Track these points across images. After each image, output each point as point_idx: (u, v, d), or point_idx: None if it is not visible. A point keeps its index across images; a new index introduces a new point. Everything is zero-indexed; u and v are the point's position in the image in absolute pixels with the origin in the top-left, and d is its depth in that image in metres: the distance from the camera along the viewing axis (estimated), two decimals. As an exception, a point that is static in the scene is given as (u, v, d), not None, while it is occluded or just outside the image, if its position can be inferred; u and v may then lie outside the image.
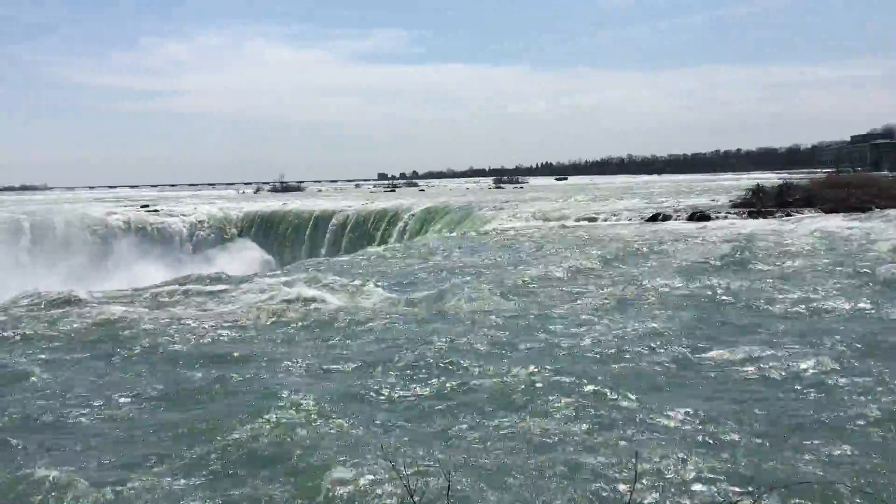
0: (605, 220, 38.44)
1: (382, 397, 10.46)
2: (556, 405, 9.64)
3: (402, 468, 6.59)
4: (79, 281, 34.25)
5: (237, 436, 8.81)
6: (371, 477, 7.40)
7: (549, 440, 8.56)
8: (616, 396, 9.91)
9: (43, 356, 13.42)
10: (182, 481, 7.75)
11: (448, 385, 10.78)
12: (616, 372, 11.23)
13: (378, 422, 9.34)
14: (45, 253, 44.95)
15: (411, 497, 4.61)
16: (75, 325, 15.83)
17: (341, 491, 7.20)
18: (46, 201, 73.89)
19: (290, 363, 12.42)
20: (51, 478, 7.70)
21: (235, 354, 13.02)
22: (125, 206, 58.78)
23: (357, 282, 20.02)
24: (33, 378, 11.84)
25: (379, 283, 20.16)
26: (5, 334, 15.16)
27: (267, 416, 9.33)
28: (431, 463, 7.67)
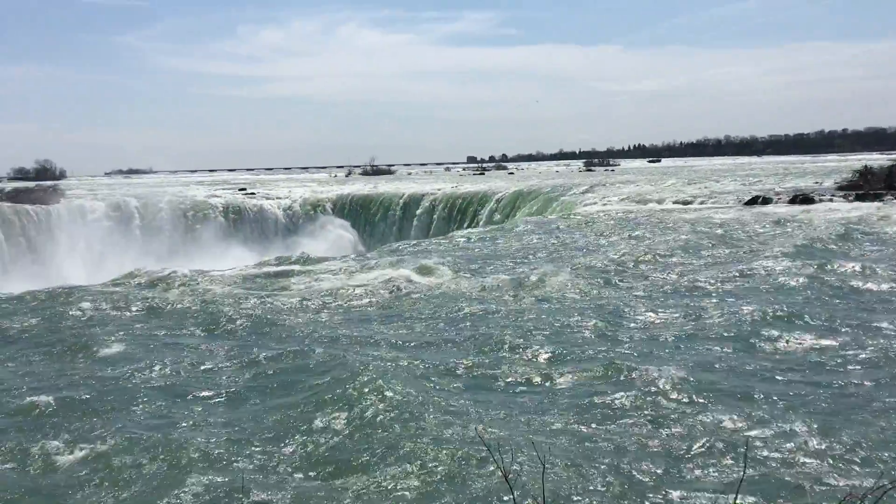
0: (702, 203, 37.20)
1: (473, 377, 10.45)
2: (656, 390, 9.40)
3: (497, 448, 6.54)
4: (181, 260, 35.75)
5: (329, 413, 8.98)
6: (465, 455, 7.39)
7: (653, 429, 8.35)
8: (725, 384, 9.58)
9: (148, 328, 14.05)
10: (288, 449, 7.95)
11: (542, 368, 10.68)
12: (730, 356, 10.86)
13: (470, 401, 9.33)
14: (152, 233, 47.13)
15: (506, 479, 4.54)
16: (176, 301, 16.52)
17: (437, 469, 7.23)
18: (151, 184, 77.35)
19: (380, 342, 12.57)
20: (170, 439, 8.05)
21: (326, 333, 13.27)
22: (224, 189, 60.88)
23: (446, 264, 20.07)
24: (140, 348, 12.41)
25: (467, 266, 20.17)
26: (116, 308, 15.99)
27: (357, 395, 9.45)
28: (525, 445, 7.59)
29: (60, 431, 8.77)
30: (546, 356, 11.30)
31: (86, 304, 16.21)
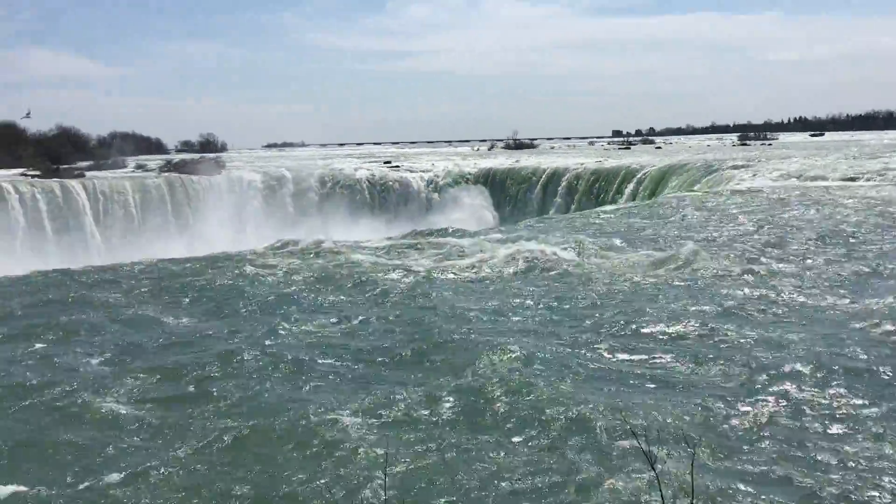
0: (869, 180, 34.31)
1: (615, 359, 10.17)
2: (818, 381, 8.79)
3: (643, 435, 6.32)
4: (329, 230, 37.19)
5: (469, 382, 9.02)
6: (608, 442, 7.21)
7: (819, 424, 7.82)
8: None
9: (293, 292, 14.71)
10: (432, 418, 8.08)
11: (689, 352, 10.24)
12: None
13: (612, 384, 9.08)
14: (304, 204, 49.42)
15: (652, 467, 4.35)
16: (323, 268, 17.21)
17: (580, 455, 7.10)
18: (303, 157, 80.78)
19: (517, 318, 12.50)
20: (312, 402, 8.40)
21: (465, 306, 13.34)
22: (370, 162, 62.64)
23: (588, 240, 19.66)
24: (284, 311, 13.02)
25: (611, 242, 19.67)
26: (272, 273, 16.89)
27: (493, 369, 9.43)
28: (672, 432, 7.30)
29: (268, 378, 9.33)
30: (693, 340, 10.82)
31: (248, 269, 17.25)
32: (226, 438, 7.87)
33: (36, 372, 10.16)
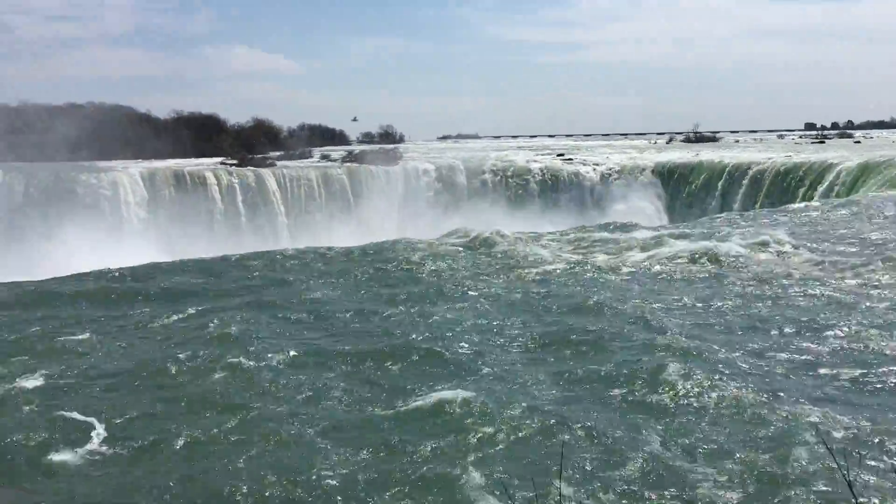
0: None
1: (806, 367, 9.44)
2: None
3: (841, 453, 5.82)
4: (500, 220, 37.45)
5: (617, 387, 8.73)
6: (802, 458, 6.71)
7: None
8: None
9: (464, 280, 14.93)
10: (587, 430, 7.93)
11: (890, 365, 9.33)
12: None
13: (803, 395, 8.44)
14: (476, 195, 50.12)
15: (850, 489, 3.96)
16: (493, 258, 17.35)
17: (768, 470, 6.68)
18: (477, 149, 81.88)
19: (692, 318, 11.93)
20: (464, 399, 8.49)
21: (636, 304, 12.92)
22: (543, 154, 62.36)
23: (775, 239, 18.42)
24: (454, 297, 13.23)
25: (802, 243, 18.31)
26: (446, 261, 17.27)
27: (666, 369, 9.06)
28: (874, 452, 6.67)
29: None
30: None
31: (421, 257, 17.74)
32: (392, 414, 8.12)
33: (240, 341, 11.01)
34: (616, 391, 8.72)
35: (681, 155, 57.76)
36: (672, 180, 50.77)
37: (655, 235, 20.38)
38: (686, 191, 49.73)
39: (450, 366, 9.89)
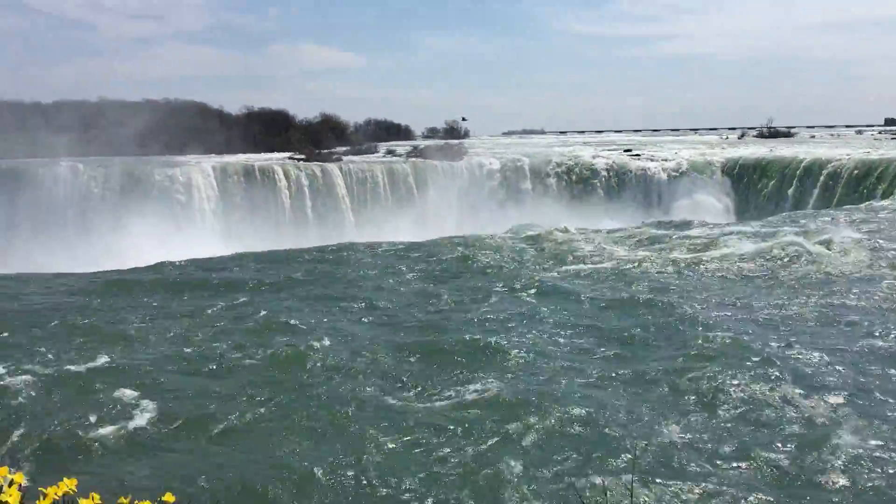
0: None
1: (881, 374, 9.12)
2: None
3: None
4: (564, 217, 37.18)
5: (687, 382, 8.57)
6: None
7: None
8: None
9: (532, 274, 14.90)
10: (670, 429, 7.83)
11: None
12: None
13: (876, 406, 8.17)
14: (540, 191, 49.79)
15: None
16: (558, 253, 17.24)
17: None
18: (542, 144, 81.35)
19: (762, 315, 11.64)
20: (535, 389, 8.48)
21: (703, 300, 12.67)
22: (609, 151, 61.51)
23: (852, 238, 17.79)
24: (521, 290, 13.22)
25: (875, 244, 17.63)
26: (510, 256, 17.25)
27: (736, 367, 8.87)
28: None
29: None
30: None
31: (479, 251, 17.78)
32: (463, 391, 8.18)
33: (312, 327, 11.27)
34: (665, 388, 8.60)
35: (753, 151, 56.17)
36: (743, 177, 49.41)
37: (721, 233, 19.93)
38: (757, 188, 48.32)
39: (504, 359, 9.90)
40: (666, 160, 53.20)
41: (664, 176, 50.79)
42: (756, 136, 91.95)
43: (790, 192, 46.38)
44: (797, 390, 8.32)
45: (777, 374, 8.83)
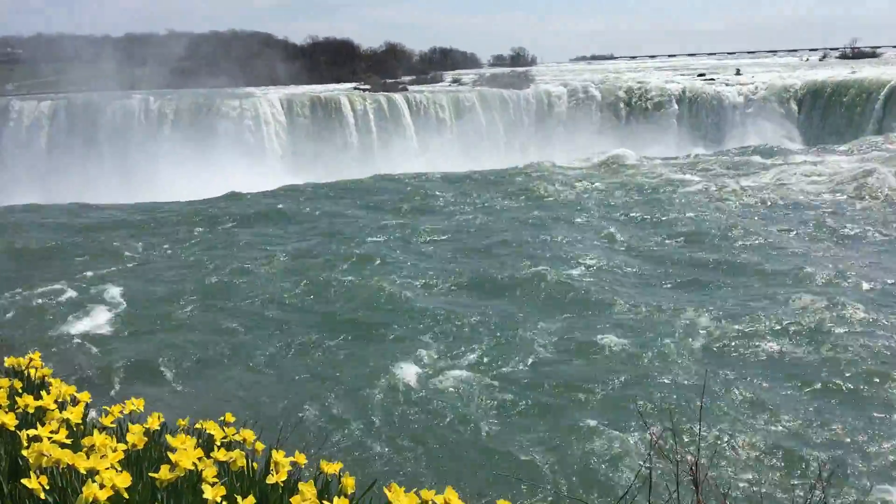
0: None
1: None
2: None
3: None
4: (634, 144, 36.28)
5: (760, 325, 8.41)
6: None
7: None
8: None
9: (598, 204, 14.72)
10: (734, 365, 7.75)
11: None
12: None
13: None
14: (609, 117, 48.47)
15: None
16: (626, 183, 16.95)
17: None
18: (611, 70, 78.96)
19: (847, 254, 11.27)
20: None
21: (780, 232, 12.33)
22: (682, 75, 59.28)
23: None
24: (584, 220, 13.09)
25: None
26: (572, 185, 17.07)
27: (781, 300, 8.66)
28: None
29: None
30: None
31: (547, 179, 17.62)
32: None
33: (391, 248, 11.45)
34: (752, 325, 8.47)
35: (836, 73, 53.33)
36: (824, 100, 47.08)
37: (798, 160, 19.19)
38: (839, 111, 46.04)
39: (574, 291, 9.90)
40: (742, 84, 50.95)
41: (741, 100, 48.76)
42: (838, 58, 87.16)
43: (873, 115, 44.07)
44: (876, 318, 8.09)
45: (851, 303, 8.58)
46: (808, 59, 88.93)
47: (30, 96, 49.02)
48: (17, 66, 65.63)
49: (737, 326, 8.31)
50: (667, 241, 12.05)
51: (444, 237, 13.00)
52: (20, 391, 3.79)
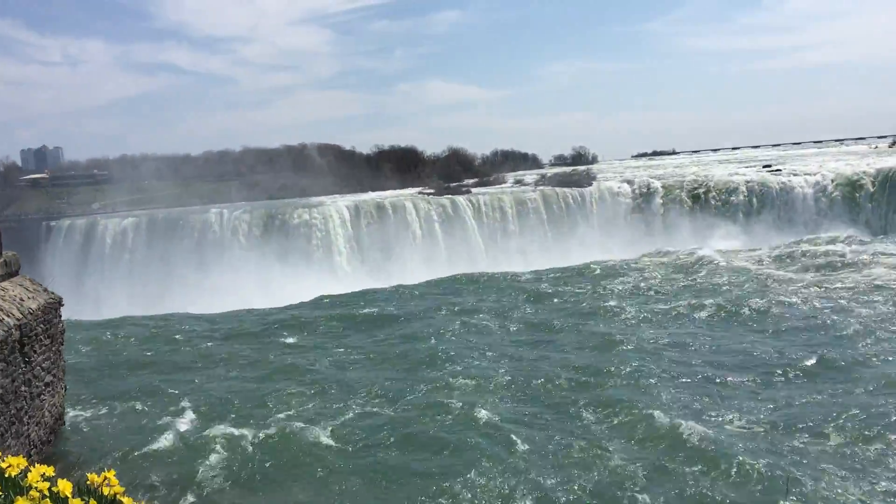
0: None
1: None
2: None
3: None
4: (702, 239, 35.71)
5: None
6: None
7: None
8: None
9: (674, 300, 14.36)
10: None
11: None
12: None
13: None
14: (674, 212, 48.06)
15: None
16: (699, 277, 16.55)
17: None
18: (674, 165, 78.98)
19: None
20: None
21: (869, 332, 11.78)
22: (747, 167, 58.83)
23: None
24: (658, 319, 12.76)
25: None
26: (646, 282, 16.77)
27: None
28: None
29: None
30: None
31: (612, 276, 17.37)
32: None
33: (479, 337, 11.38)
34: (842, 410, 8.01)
35: (908, 159, 51.99)
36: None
37: (876, 251, 18.53)
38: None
39: (653, 386, 9.59)
40: (810, 174, 50.06)
41: (810, 191, 47.81)
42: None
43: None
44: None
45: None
46: (876, 147, 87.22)
47: (115, 214, 51.96)
48: (102, 186, 69.75)
49: None
50: (733, 334, 11.67)
51: (529, 335, 12.86)
52: (92, 510, 3.76)
